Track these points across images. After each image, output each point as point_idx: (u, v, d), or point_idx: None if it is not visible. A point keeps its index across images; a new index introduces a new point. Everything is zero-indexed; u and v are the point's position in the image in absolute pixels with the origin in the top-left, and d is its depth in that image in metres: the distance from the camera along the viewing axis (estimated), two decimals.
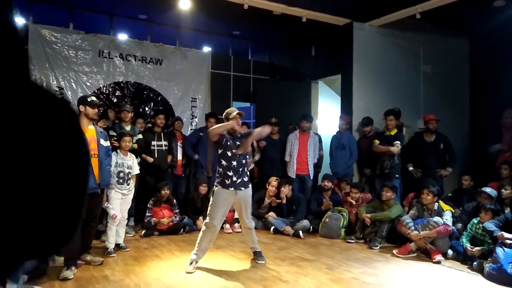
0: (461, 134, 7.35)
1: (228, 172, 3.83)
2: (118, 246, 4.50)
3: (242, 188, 3.91)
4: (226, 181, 3.83)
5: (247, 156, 4.07)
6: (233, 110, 3.96)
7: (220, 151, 3.88)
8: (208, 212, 3.95)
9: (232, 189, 3.85)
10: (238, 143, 3.89)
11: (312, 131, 6.41)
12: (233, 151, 3.84)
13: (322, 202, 5.69)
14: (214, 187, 3.97)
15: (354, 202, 5.43)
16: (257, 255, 4.18)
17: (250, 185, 4.06)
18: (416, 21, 6.02)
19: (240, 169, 3.88)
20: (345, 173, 6.14)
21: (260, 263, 4.10)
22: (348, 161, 6.15)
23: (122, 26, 7.56)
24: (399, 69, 6.84)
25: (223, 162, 3.85)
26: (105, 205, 4.30)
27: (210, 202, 3.95)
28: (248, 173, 4.04)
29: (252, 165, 6.45)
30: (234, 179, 3.84)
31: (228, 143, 3.85)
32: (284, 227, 5.47)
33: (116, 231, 4.45)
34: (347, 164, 6.17)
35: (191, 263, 3.88)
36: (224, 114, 4.00)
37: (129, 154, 4.66)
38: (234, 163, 3.84)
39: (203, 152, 6.04)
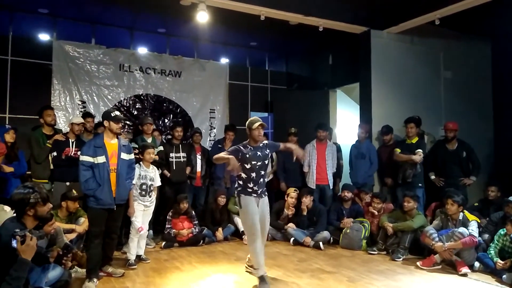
0: (485, 141, 7.14)
1: (249, 184, 3.79)
2: (139, 258, 4.54)
3: (263, 196, 3.89)
4: (248, 189, 3.79)
5: (266, 167, 3.99)
6: (256, 121, 3.83)
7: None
8: (243, 227, 3.83)
9: (255, 195, 3.81)
10: (259, 153, 3.82)
11: (331, 141, 6.35)
12: (253, 162, 3.77)
13: (343, 213, 5.59)
14: (236, 197, 3.86)
15: (376, 213, 5.33)
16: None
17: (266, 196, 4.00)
18: (436, 27, 5.91)
19: (260, 180, 3.83)
20: (365, 182, 6.04)
21: None
22: (368, 170, 6.05)
23: (141, 40, 7.73)
24: (419, 75, 6.72)
25: (242, 175, 3.79)
26: (133, 218, 4.36)
27: (240, 214, 3.84)
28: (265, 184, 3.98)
29: (271, 176, 6.41)
30: (255, 188, 3.80)
31: (247, 155, 3.78)
32: (304, 238, 5.41)
33: (137, 243, 4.50)
34: (367, 174, 6.07)
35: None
36: (247, 123, 3.90)
37: (151, 166, 4.72)
38: (253, 174, 3.78)
39: (220, 163, 6.04)
